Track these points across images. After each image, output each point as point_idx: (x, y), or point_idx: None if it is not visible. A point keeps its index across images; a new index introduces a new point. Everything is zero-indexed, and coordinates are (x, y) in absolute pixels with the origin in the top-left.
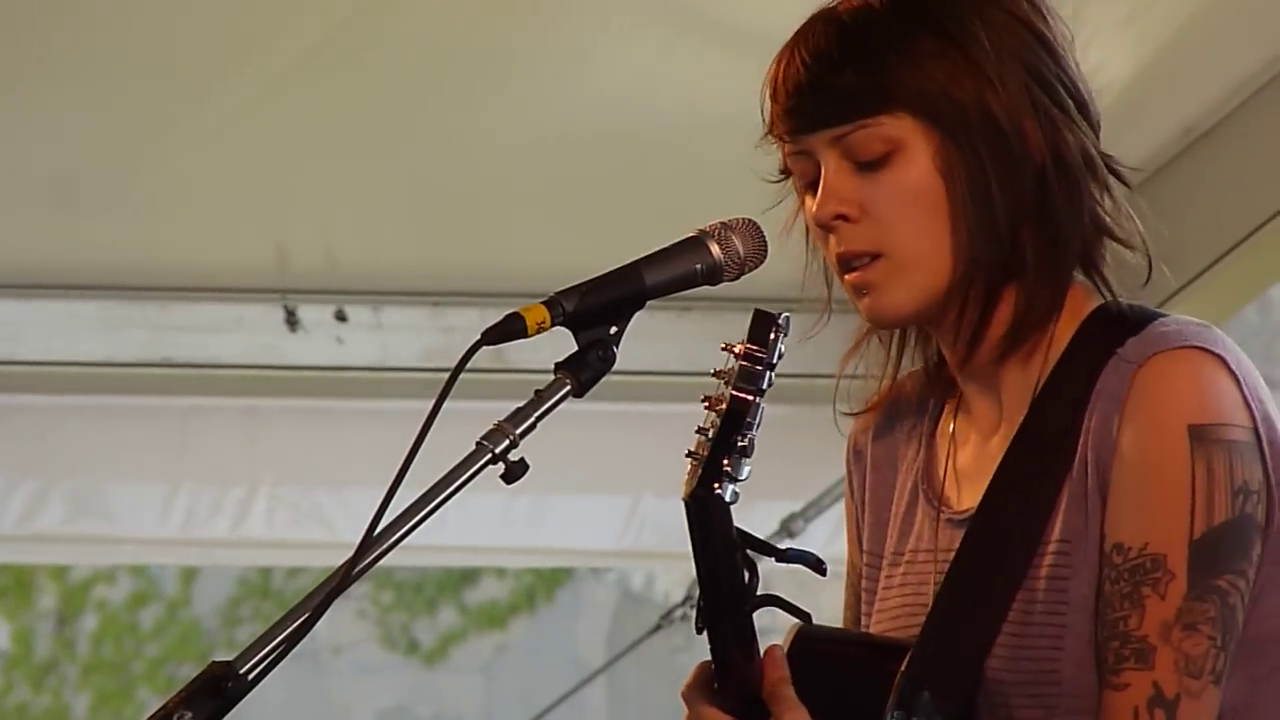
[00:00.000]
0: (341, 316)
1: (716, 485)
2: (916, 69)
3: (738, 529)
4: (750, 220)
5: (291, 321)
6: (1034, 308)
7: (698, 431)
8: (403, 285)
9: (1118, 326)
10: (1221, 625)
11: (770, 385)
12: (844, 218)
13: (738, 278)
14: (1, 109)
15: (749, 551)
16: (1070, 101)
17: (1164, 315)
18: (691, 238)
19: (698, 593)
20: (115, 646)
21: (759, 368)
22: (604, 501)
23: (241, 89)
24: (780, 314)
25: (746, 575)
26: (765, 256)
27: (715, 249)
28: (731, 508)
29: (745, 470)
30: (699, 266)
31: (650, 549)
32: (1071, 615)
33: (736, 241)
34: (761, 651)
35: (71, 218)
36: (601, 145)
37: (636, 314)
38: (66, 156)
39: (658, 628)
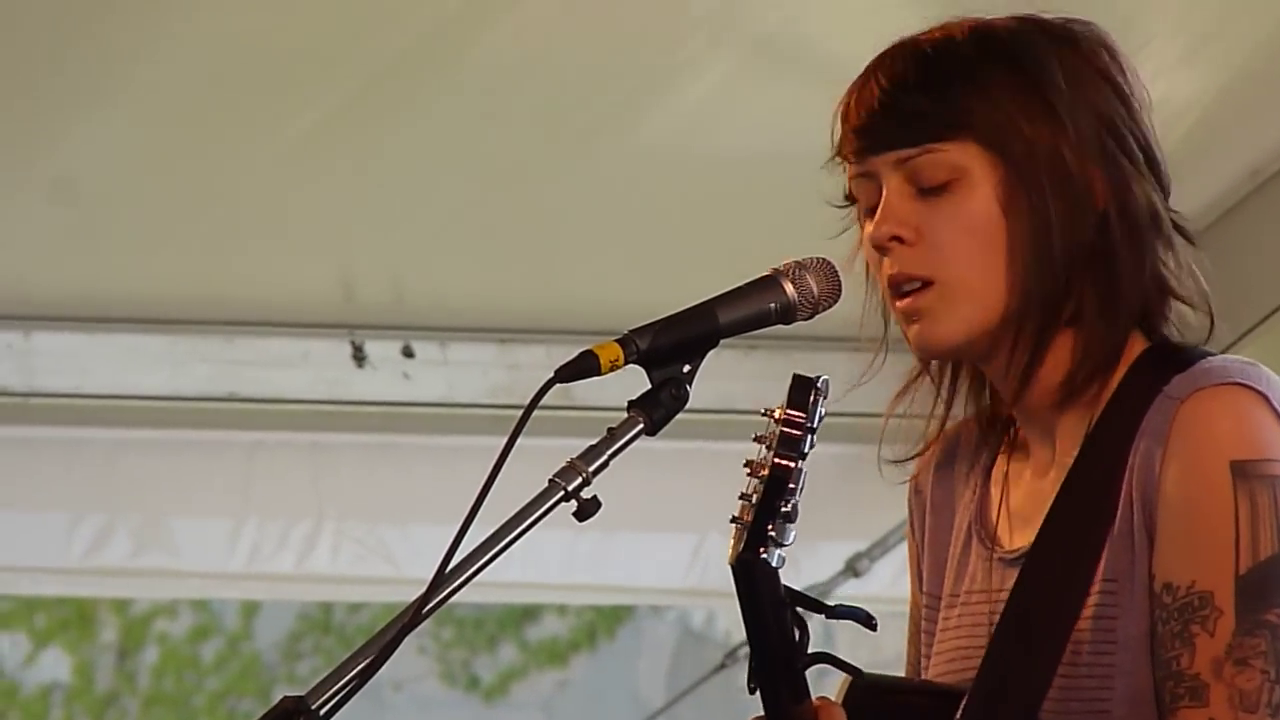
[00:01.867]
0: (409, 352)
1: (762, 550)
2: (989, 101)
3: (787, 587)
4: (825, 260)
5: (358, 357)
6: (1090, 356)
7: (741, 497)
8: (470, 321)
9: (1166, 365)
10: (1274, 659)
11: (812, 448)
12: (899, 239)
13: (811, 317)
14: (69, 140)
15: (799, 609)
16: (1141, 156)
17: (1212, 353)
18: (766, 276)
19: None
20: (176, 680)
21: (799, 433)
22: (668, 539)
23: (309, 120)
24: (819, 377)
25: (797, 633)
26: (839, 297)
27: (790, 288)
28: (780, 570)
29: (790, 535)
30: (773, 305)
31: (714, 587)
32: (1119, 656)
33: (811, 281)
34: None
35: (139, 251)
36: (671, 181)
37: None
38: (134, 189)
39: (721, 667)
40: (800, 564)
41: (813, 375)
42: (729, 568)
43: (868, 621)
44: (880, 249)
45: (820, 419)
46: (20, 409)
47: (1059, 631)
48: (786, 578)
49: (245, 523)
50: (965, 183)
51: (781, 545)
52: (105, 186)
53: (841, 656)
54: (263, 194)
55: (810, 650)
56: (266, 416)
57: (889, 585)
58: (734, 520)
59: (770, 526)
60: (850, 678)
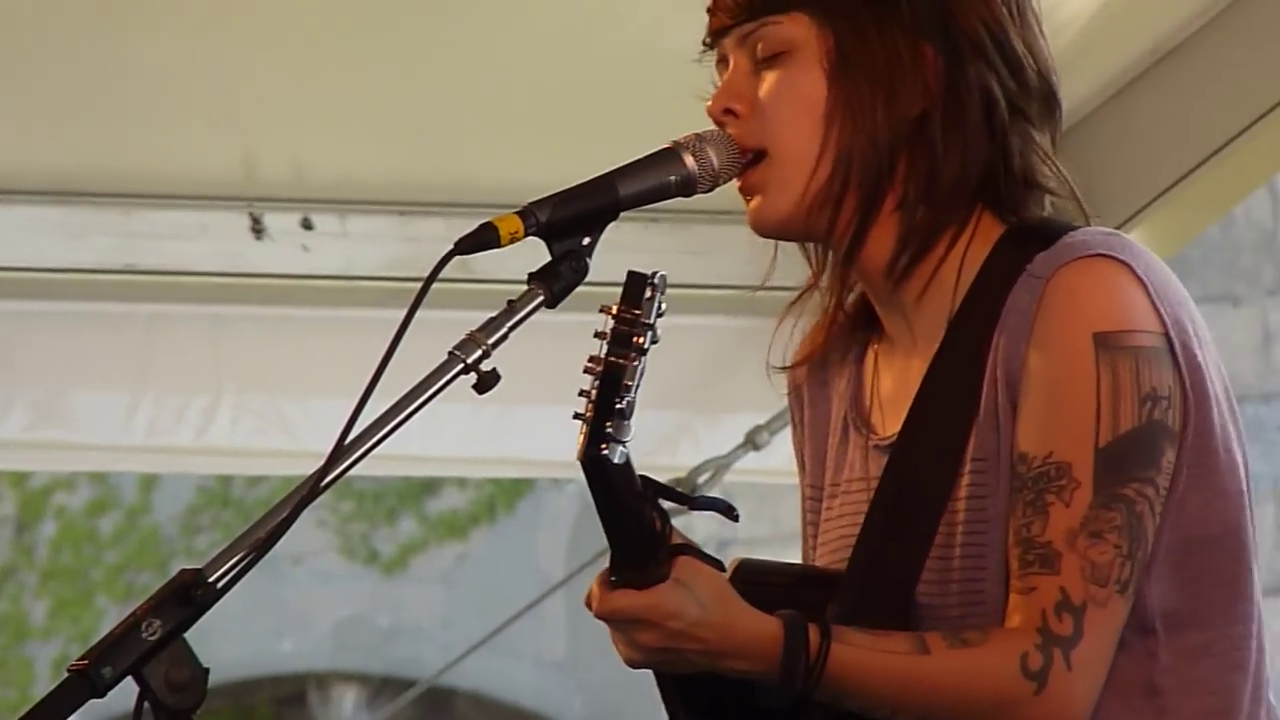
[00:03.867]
0: (308, 225)
1: (604, 447)
2: None
3: (647, 479)
4: (724, 132)
5: (257, 229)
6: (912, 237)
7: (581, 394)
8: (369, 195)
9: (1027, 244)
10: (1129, 534)
11: (655, 342)
12: (732, 112)
13: (712, 189)
14: None
15: (660, 501)
16: (990, 44)
17: (1074, 227)
18: (666, 149)
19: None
20: (74, 553)
21: (634, 329)
22: (568, 412)
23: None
24: (655, 273)
25: (658, 522)
26: (740, 169)
27: (690, 160)
28: (630, 461)
29: (629, 432)
30: (673, 178)
31: None
32: (992, 534)
33: (711, 153)
34: None
35: (34, 122)
36: (570, 60)
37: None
38: (31, 60)
39: None
40: (700, 437)
41: (648, 271)
42: (579, 464)
43: (729, 512)
44: (718, 123)
45: (659, 314)
46: None
47: (931, 513)
48: (688, 450)
49: (143, 395)
50: (797, 55)
51: (621, 442)
52: (1, 58)
53: (741, 530)
54: (163, 68)
55: (673, 541)
56: (165, 289)
57: (789, 458)
58: (576, 416)
59: (609, 424)
60: (737, 561)
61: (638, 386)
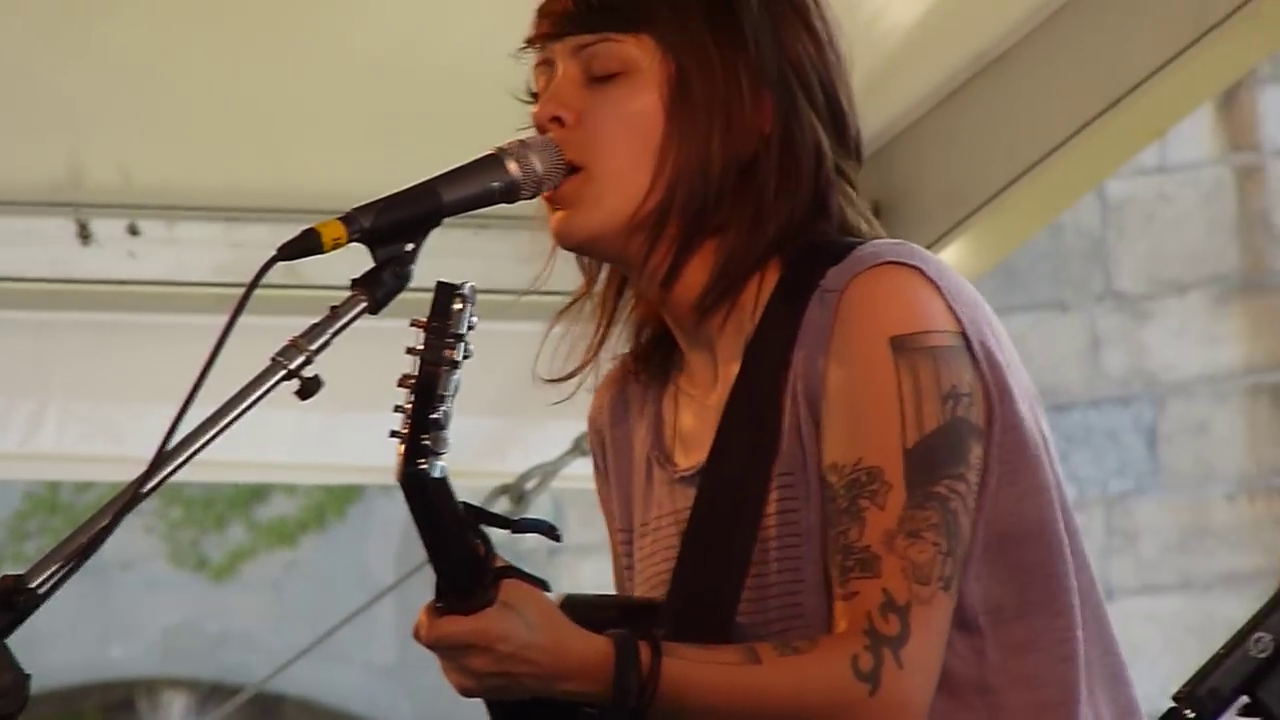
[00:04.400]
0: (134, 230)
1: (422, 462)
2: (675, 3)
3: (468, 505)
4: (549, 139)
5: (84, 235)
6: (729, 268)
7: (396, 409)
8: (196, 200)
9: (819, 260)
10: (946, 531)
11: (468, 355)
12: (559, 120)
13: (535, 195)
14: None
15: (481, 525)
16: (821, 96)
17: (862, 241)
18: (489, 155)
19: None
20: None
21: (444, 340)
22: (396, 419)
23: (37, 2)
24: (464, 284)
25: (481, 548)
26: (564, 175)
27: (513, 166)
28: (448, 480)
29: (446, 444)
30: (496, 184)
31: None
32: (805, 546)
33: (534, 159)
34: None
35: None
36: (397, 69)
37: (433, 231)
38: None
39: None
40: (529, 442)
41: (457, 282)
42: (399, 485)
43: (551, 533)
44: (541, 129)
45: (470, 326)
46: None
47: (744, 534)
48: (516, 456)
49: None
50: (635, 77)
51: (439, 455)
52: None
53: (572, 537)
54: None
55: (497, 565)
56: None
57: None
58: (394, 434)
59: (426, 437)
60: (562, 596)
61: (453, 397)
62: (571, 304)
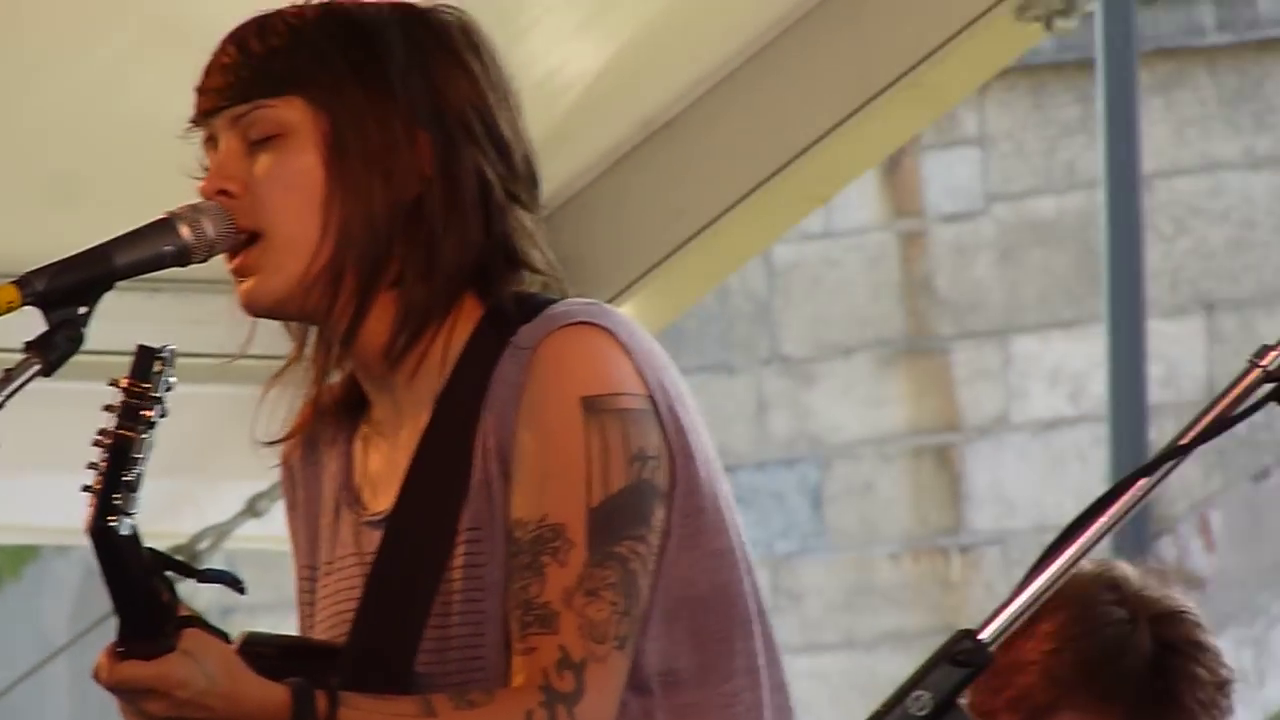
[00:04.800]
0: None
1: (112, 519)
2: (321, 63)
3: (154, 552)
4: (220, 204)
5: None
6: (410, 318)
7: (90, 466)
8: None
9: (510, 318)
10: (624, 590)
11: (164, 415)
12: (226, 193)
13: (207, 259)
14: None
15: (167, 574)
16: (482, 130)
17: (554, 300)
18: (162, 220)
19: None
20: None
21: (142, 403)
22: (72, 480)
23: None
24: (164, 347)
25: (165, 595)
26: (235, 239)
27: (185, 230)
28: (137, 536)
29: (136, 504)
30: (169, 248)
31: None
32: (489, 602)
33: (206, 224)
34: None
35: None
36: (72, 132)
37: (107, 294)
38: None
39: None
40: (202, 503)
41: (157, 345)
42: (88, 537)
43: (235, 584)
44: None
45: (168, 388)
46: None
47: (427, 584)
48: (188, 516)
49: None
50: (291, 138)
51: (129, 514)
52: None
53: (244, 598)
54: None
55: (180, 614)
56: None
57: None
58: (86, 489)
59: (116, 496)
60: (244, 634)
61: (146, 459)
62: (283, 370)
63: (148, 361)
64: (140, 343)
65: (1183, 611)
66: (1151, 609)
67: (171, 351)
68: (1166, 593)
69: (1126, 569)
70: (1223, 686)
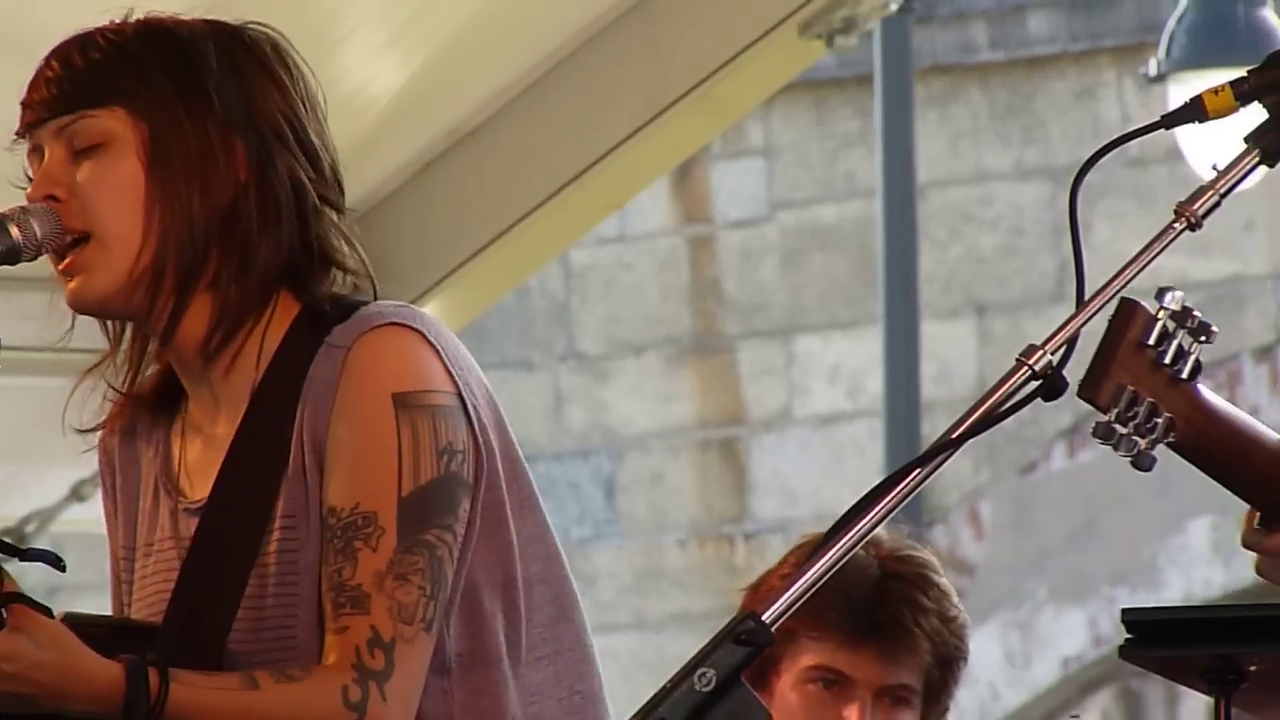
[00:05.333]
0: None
1: None
2: (140, 73)
3: None
4: (49, 207)
5: None
6: (224, 317)
7: None
8: None
9: (324, 318)
10: (431, 576)
11: None
12: (53, 198)
13: (36, 257)
14: None
15: None
16: (291, 136)
17: (366, 301)
18: None
19: None
20: None
21: None
22: None
23: None
24: None
25: None
26: (69, 243)
27: (15, 230)
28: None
29: None
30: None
31: None
32: (302, 585)
33: (35, 224)
34: None
35: None
36: None
37: None
38: None
39: None
40: (28, 489)
41: None
42: None
43: (56, 563)
44: None
45: None
46: None
47: (241, 568)
48: (17, 501)
49: None
50: (114, 146)
51: None
52: None
53: (69, 577)
54: None
55: (5, 590)
56: None
57: None
58: None
59: None
60: (63, 614)
61: None
62: (100, 363)
63: None
64: None
65: (914, 553)
66: (885, 549)
67: None
68: (908, 543)
69: (881, 531)
70: (949, 621)
